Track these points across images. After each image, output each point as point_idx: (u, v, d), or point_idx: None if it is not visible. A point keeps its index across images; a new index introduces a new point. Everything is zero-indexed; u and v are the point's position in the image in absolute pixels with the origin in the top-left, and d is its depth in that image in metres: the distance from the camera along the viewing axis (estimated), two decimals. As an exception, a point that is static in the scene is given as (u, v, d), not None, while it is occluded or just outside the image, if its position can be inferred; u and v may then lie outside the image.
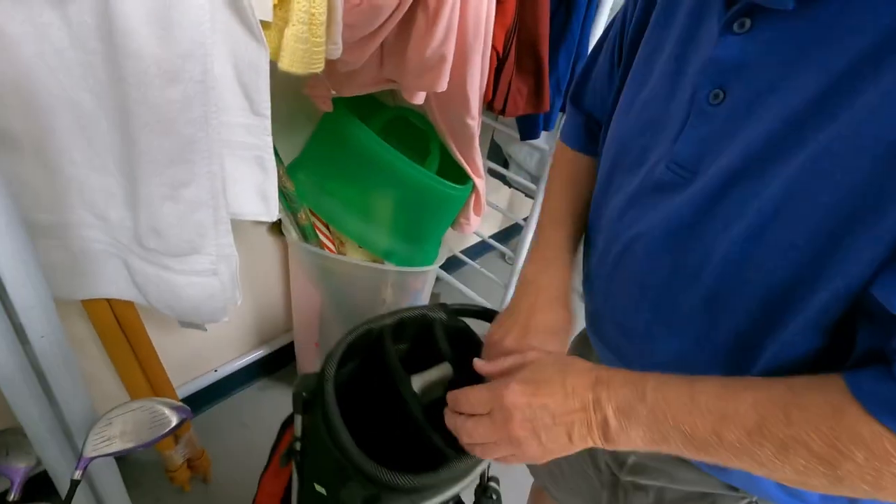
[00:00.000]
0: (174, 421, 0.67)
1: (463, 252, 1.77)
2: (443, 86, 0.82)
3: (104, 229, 0.69)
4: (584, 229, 0.56)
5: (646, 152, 0.44)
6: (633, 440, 0.36)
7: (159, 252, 0.68)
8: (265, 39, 0.58)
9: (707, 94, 0.38)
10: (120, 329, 0.87)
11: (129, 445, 0.64)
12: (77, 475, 0.62)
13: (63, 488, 0.69)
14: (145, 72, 0.52)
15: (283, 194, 1.07)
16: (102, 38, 0.53)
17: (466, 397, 0.43)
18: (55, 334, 0.56)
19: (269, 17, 0.59)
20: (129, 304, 0.87)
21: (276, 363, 1.47)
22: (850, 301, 0.31)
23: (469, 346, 0.56)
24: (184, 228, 0.65)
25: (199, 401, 1.33)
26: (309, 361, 1.38)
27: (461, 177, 1.11)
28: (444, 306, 0.57)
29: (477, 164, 1.09)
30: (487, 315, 0.57)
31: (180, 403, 0.69)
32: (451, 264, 1.86)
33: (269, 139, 0.67)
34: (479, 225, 1.25)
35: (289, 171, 1.09)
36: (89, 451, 0.63)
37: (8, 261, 0.50)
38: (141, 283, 0.74)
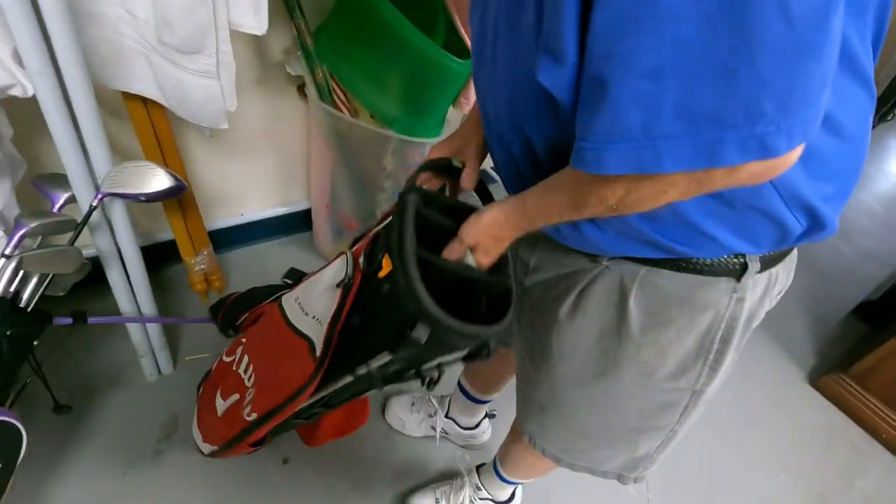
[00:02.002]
0: (171, 182, 0.84)
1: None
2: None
3: (134, 26, 0.85)
4: None
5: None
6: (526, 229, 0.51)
7: (172, 48, 0.83)
8: None
9: None
10: (152, 128, 1.06)
11: (134, 191, 0.82)
12: (94, 203, 0.82)
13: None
14: None
15: (305, 51, 1.20)
16: None
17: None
18: (84, 78, 0.73)
19: None
20: (161, 112, 1.06)
21: (297, 225, 1.67)
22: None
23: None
24: (189, 23, 0.79)
25: (224, 238, 1.55)
26: (321, 222, 1.55)
27: (465, 55, 1.18)
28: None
29: (480, 42, 1.15)
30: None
31: (178, 176, 0.86)
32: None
33: (262, -46, 0.79)
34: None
35: (315, 33, 1.22)
36: (105, 188, 0.82)
37: (56, 21, 0.66)
38: (161, 81, 0.91)
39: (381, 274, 0.53)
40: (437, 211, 0.56)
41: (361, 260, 0.60)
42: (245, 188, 1.51)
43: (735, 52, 0.30)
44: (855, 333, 1.97)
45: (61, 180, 0.85)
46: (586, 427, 0.68)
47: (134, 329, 1.13)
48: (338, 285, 0.59)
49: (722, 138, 0.32)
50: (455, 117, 1.64)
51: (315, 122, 1.34)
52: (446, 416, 1.25)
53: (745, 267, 0.51)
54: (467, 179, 0.64)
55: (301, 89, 1.38)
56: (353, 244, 0.67)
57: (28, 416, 0.79)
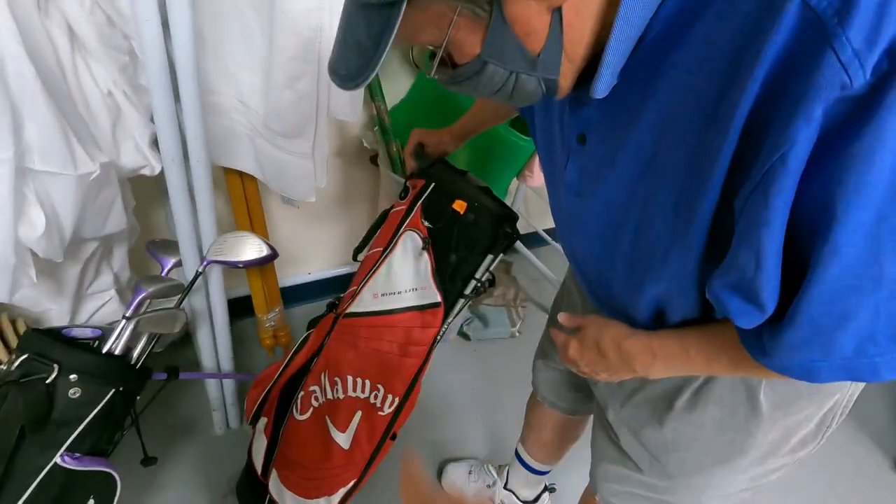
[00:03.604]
0: (266, 251, 0.92)
1: (547, 231, 1.90)
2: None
3: (245, 114, 0.97)
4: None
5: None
6: (656, 375, 0.54)
7: (276, 133, 0.94)
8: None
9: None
10: (244, 199, 1.17)
11: (235, 259, 0.91)
12: (201, 269, 0.91)
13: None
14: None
15: (382, 127, 1.31)
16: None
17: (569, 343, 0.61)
18: (206, 162, 0.84)
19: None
20: (254, 183, 1.17)
21: (358, 284, 1.74)
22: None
23: None
24: (295, 113, 0.90)
25: (292, 294, 1.63)
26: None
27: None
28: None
29: (545, 121, 1.22)
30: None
31: (271, 244, 0.95)
32: (532, 240, 1.98)
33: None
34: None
35: (391, 111, 1.33)
36: (210, 255, 0.90)
37: (190, 101, 0.77)
38: (261, 161, 1.02)
39: (462, 212, 0.78)
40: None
41: (426, 224, 0.81)
42: (315, 248, 1.61)
43: None
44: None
45: (171, 247, 0.95)
46: (698, 497, 0.67)
47: (211, 383, 1.19)
48: (423, 249, 0.80)
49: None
50: (513, 185, 1.70)
51: (384, 192, 1.43)
52: (505, 488, 1.22)
53: None
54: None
55: (373, 160, 1.49)
56: (398, 228, 0.85)
57: (117, 465, 0.85)
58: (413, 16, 0.38)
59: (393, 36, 0.38)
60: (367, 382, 0.83)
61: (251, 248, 0.91)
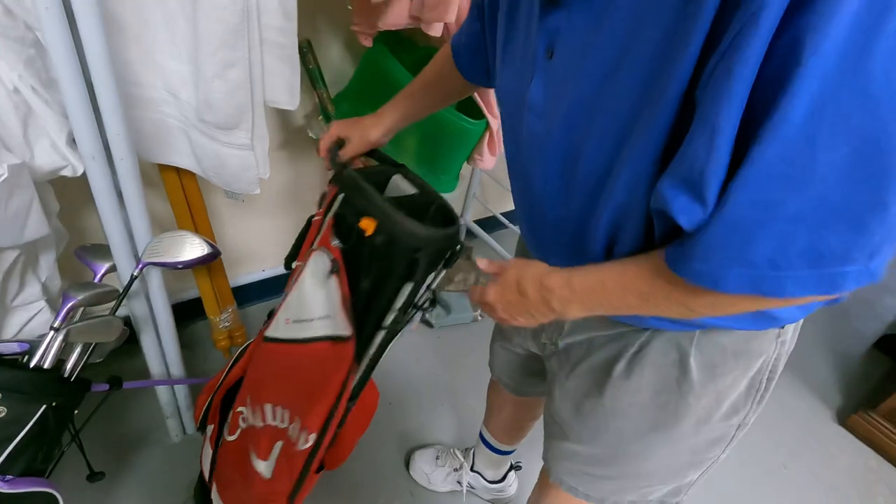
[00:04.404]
0: (207, 250, 0.88)
1: (504, 214, 1.90)
2: (451, 16, 0.96)
3: (176, 106, 0.91)
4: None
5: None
6: (573, 314, 0.53)
7: (212, 124, 0.89)
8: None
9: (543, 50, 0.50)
10: (184, 196, 1.11)
11: (173, 260, 0.86)
12: (136, 273, 0.86)
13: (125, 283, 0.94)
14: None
15: (326, 115, 1.27)
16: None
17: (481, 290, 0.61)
18: (131, 158, 0.79)
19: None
20: (193, 179, 1.11)
21: (316, 278, 1.70)
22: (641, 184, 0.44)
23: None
24: (228, 104, 0.85)
25: (246, 293, 1.59)
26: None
27: (478, 115, 1.24)
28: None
29: (492, 104, 1.22)
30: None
31: (213, 243, 0.91)
32: (491, 224, 1.99)
33: (296, 41, 0.85)
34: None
35: (334, 99, 1.29)
36: (145, 258, 0.86)
37: (106, 96, 0.72)
38: (199, 155, 0.97)
39: (369, 232, 0.62)
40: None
41: (335, 243, 0.66)
42: (267, 245, 1.56)
43: (872, 208, 0.34)
44: (880, 368, 1.94)
45: (103, 251, 0.90)
46: (642, 471, 0.69)
47: (162, 390, 1.14)
48: (331, 273, 0.65)
49: (844, 272, 0.37)
50: (467, 171, 1.71)
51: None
52: (472, 470, 1.24)
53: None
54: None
55: (322, 150, 1.44)
56: (310, 248, 0.71)
57: (61, 483, 0.81)
58: None
59: None
60: (286, 413, 0.71)
61: (190, 248, 0.87)
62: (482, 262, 0.65)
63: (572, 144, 0.49)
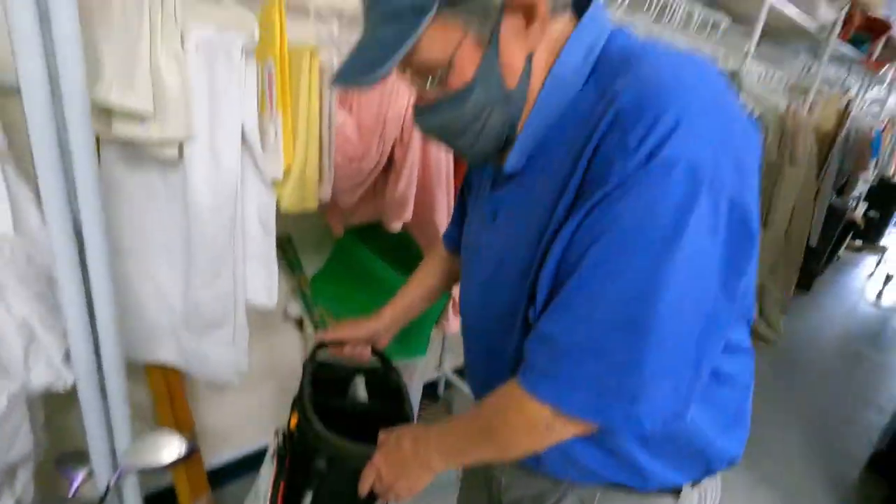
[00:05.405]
0: (184, 450, 0.91)
1: None
2: (408, 217, 1.15)
3: (168, 312, 1.02)
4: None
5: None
6: (436, 463, 0.62)
7: (197, 327, 0.99)
8: (275, 191, 0.95)
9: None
10: (166, 387, 1.16)
11: (150, 464, 0.89)
12: (112, 482, 0.88)
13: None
14: (201, 211, 0.89)
15: (304, 296, 1.40)
16: (183, 192, 0.90)
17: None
18: (120, 370, 0.86)
19: (279, 176, 0.96)
20: (175, 371, 1.18)
21: (294, 449, 1.67)
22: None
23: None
24: (214, 309, 0.96)
25: (223, 471, 1.54)
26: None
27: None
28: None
29: (453, 276, 1.36)
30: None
31: (191, 440, 0.94)
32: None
33: (274, 250, 1.00)
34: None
35: (311, 280, 1.43)
36: (124, 463, 0.88)
37: (105, 317, 0.83)
38: (184, 352, 1.05)
39: (292, 425, 0.69)
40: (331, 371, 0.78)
41: (282, 430, 0.72)
42: (244, 422, 1.56)
43: (630, 359, 0.45)
44: (878, 493, 1.89)
45: (81, 458, 0.92)
46: None
47: None
48: (273, 455, 0.70)
49: (609, 405, 0.47)
50: (437, 334, 1.80)
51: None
52: None
53: (679, 488, 0.62)
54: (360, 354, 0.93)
55: (300, 324, 1.54)
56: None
57: None
58: (435, 27, 0.46)
59: (415, 37, 0.46)
60: None
61: (168, 451, 0.89)
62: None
63: (498, 281, 0.62)
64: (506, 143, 0.56)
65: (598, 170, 0.46)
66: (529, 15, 0.49)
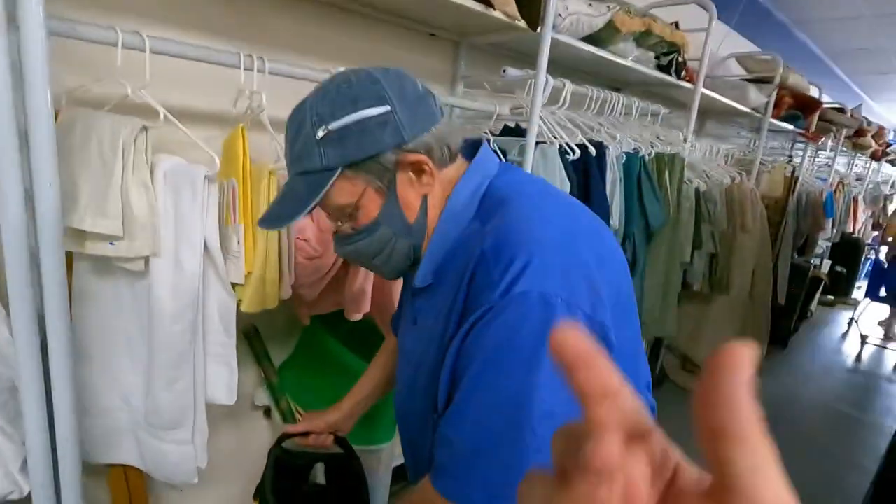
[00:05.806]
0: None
1: None
2: (366, 308, 1.22)
3: (129, 412, 1.05)
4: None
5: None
6: None
7: (156, 426, 1.02)
8: (236, 294, 1.02)
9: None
10: (127, 487, 1.16)
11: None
12: None
13: None
14: (163, 318, 0.95)
15: (271, 386, 1.43)
16: (146, 300, 0.97)
17: None
18: (77, 482, 0.88)
19: (241, 281, 1.03)
20: (137, 471, 1.18)
21: (262, 544, 1.63)
22: None
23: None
24: (174, 409, 1.00)
25: (186, 577, 1.49)
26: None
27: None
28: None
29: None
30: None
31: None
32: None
33: (234, 351, 1.06)
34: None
35: (279, 369, 1.47)
36: (74, 576, 0.88)
37: (65, 429, 0.86)
38: (143, 452, 1.07)
39: None
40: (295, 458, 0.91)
41: None
42: (211, 516, 1.53)
43: (513, 455, 0.51)
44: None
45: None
46: None
47: None
48: None
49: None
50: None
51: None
52: None
53: None
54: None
55: (268, 413, 1.56)
56: None
57: None
58: (341, 181, 0.59)
59: (326, 189, 0.58)
60: None
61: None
62: None
63: (417, 383, 0.69)
64: (415, 261, 0.66)
65: (474, 294, 0.56)
66: (419, 170, 0.61)
